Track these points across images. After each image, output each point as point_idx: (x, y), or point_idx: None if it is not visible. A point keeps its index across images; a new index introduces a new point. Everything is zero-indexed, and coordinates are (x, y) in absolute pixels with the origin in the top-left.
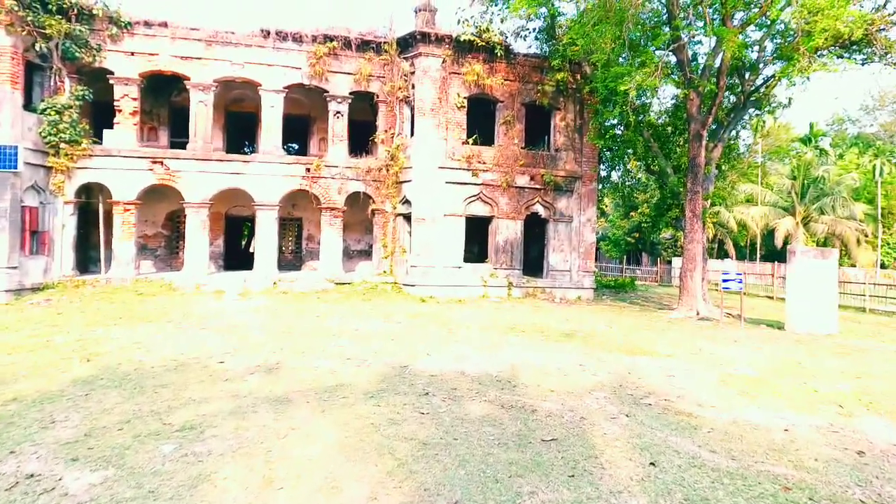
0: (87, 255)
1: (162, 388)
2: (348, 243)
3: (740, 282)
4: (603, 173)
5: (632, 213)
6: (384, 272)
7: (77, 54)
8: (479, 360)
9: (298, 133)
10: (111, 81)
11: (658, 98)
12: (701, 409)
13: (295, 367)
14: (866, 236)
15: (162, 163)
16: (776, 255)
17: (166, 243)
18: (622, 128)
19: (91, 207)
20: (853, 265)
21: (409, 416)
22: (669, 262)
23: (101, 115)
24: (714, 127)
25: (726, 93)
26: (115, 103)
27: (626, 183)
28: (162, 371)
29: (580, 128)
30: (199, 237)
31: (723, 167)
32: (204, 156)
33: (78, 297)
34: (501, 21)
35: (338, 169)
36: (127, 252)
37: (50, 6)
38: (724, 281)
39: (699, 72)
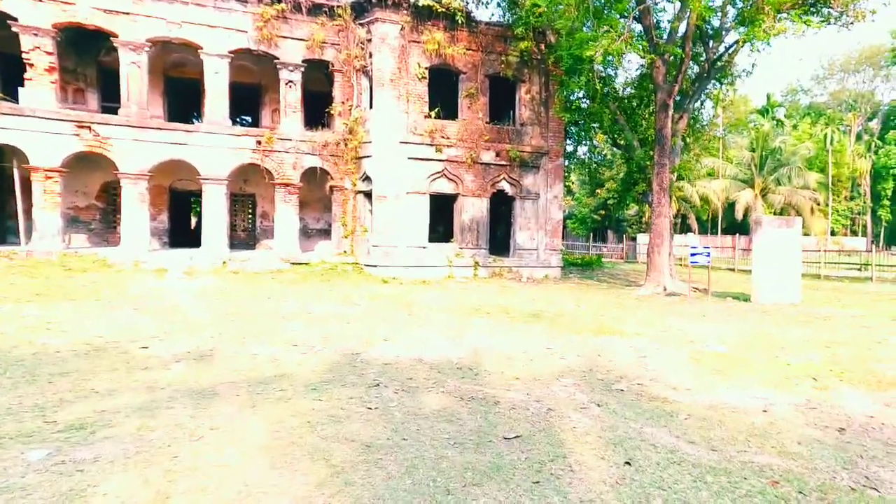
0: (3, 225)
1: (60, 377)
2: (307, 222)
3: (708, 255)
4: (569, 148)
5: (598, 191)
6: (344, 252)
7: None
8: (440, 346)
9: (249, 103)
10: (14, 30)
11: (624, 68)
12: (676, 393)
13: (231, 355)
14: (818, 204)
15: (90, 128)
16: (737, 227)
17: (101, 216)
18: (588, 100)
19: (5, 172)
20: (807, 234)
21: (354, 413)
22: (634, 239)
23: (13, 70)
24: (679, 98)
25: (690, 63)
26: (25, 56)
27: (593, 159)
28: (69, 356)
29: (546, 101)
30: (137, 211)
31: (687, 140)
32: (140, 123)
33: None
34: None
35: (292, 142)
36: (51, 223)
37: None
38: (693, 255)
39: (664, 37)
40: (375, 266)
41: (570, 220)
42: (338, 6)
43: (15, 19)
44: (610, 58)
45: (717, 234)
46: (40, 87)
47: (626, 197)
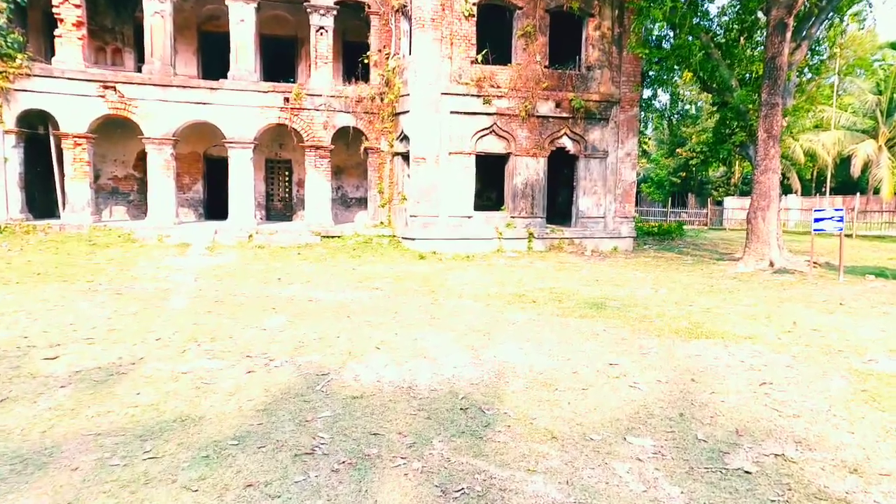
0: (50, 197)
1: None
2: (346, 190)
3: (840, 220)
4: (647, 94)
5: (678, 151)
6: (381, 223)
7: None
8: (450, 361)
9: (284, 59)
10: None
11: None
12: (862, 486)
13: (150, 373)
14: None
15: (115, 88)
16: (850, 186)
17: (139, 187)
18: (673, 31)
19: (46, 140)
20: None
21: None
22: (720, 203)
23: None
24: (796, 23)
25: None
26: (55, 11)
27: (674, 110)
28: None
29: (619, 39)
30: (162, 180)
31: (803, 77)
32: (162, 81)
33: (19, 246)
34: None
35: (322, 98)
36: (81, 195)
37: None
38: (817, 220)
39: None
40: (413, 239)
41: (645, 185)
42: None
43: None
44: None
45: (823, 194)
46: (69, 44)
47: (720, 150)
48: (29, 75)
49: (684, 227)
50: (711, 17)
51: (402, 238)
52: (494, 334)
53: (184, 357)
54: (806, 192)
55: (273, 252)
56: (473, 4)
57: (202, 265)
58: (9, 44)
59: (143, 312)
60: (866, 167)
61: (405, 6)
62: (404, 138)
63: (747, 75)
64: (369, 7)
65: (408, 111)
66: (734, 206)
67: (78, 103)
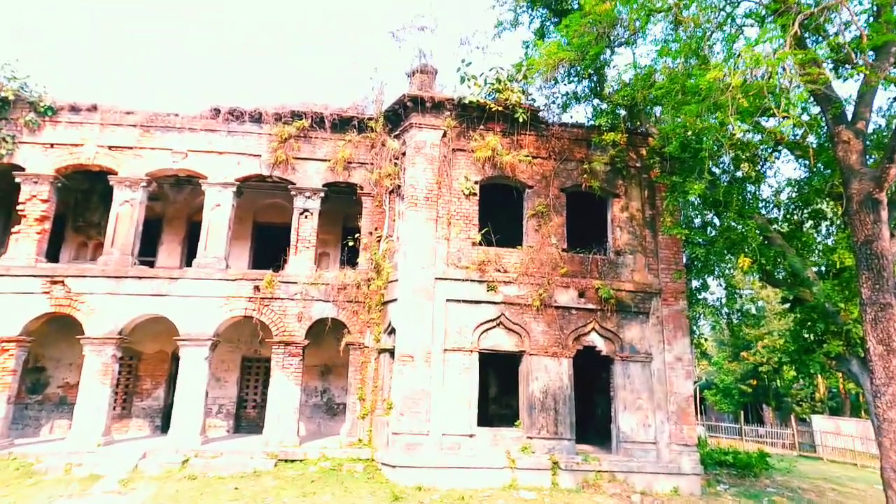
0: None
1: None
2: (333, 393)
3: None
4: (695, 284)
5: (743, 354)
6: (360, 441)
7: None
8: None
9: (278, 247)
10: (17, 179)
11: (777, 157)
12: None
13: None
14: None
15: (63, 283)
16: None
17: None
18: (715, 212)
19: None
20: None
21: None
22: (805, 421)
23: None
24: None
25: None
26: (20, 207)
27: (732, 304)
28: None
29: (652, 221)
30: (96, 387)
31: None
32: (117, 272)
33: None
34: (524, 78)
35: (298, 286)
36: None
37: None
38: None
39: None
40: (393, 466)
41: (709, 392)
42: (369, 118)
43: (22, 169)
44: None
45: None
46: (25, 239)
47: (807, 363)
48: None
49: (768, 457)
50: (765, 198)
51: (382, 464)
52: None
53: None
54: None
55: (203, 486)
56: (475, 183)
57: None
58: None
59: None
60: None
61: (400, 187)
62: (392, 331)
63: (823, 267)
64: (361, 188)
65: (395, 299)
66: (827, 429)
67: (16, 302)
